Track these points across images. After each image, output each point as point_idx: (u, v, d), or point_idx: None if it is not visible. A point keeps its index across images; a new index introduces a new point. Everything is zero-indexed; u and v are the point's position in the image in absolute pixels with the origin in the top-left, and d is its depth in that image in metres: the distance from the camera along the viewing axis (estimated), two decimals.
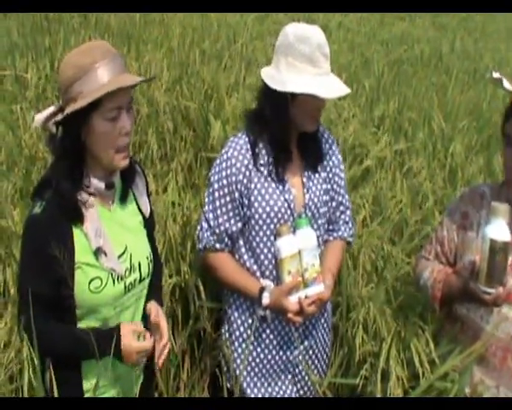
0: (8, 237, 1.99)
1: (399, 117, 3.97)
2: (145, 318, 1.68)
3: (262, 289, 1.79)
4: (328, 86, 1.68)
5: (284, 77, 1.68)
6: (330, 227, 1.97)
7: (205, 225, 1.85)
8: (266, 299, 1.77)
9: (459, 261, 1.77)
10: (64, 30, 4.33)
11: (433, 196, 2.95)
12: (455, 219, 1.79)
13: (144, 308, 1.67)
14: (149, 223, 1.68)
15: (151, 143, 3.01)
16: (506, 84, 1.55)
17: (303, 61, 1.67)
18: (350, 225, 2.00)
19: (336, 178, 1.93)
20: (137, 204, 1.63)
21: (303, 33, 1.68)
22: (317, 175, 1.87)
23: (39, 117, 1.41)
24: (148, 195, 1.69)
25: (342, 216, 1.98)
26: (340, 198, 1.95)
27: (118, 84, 1.34)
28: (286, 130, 1.77)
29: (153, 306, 1.64)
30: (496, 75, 1.57)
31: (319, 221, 1.88)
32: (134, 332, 1.49)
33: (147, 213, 1.65)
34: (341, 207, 1.97)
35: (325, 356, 2.05)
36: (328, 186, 1.91)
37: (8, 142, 2.69)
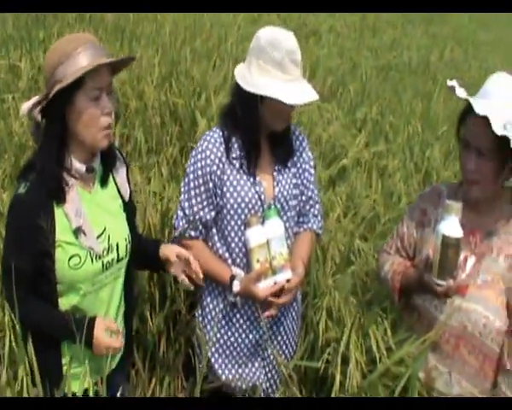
0: None
1: (381, 120, 4.07)
2: (125, 296, 1.78)
3: (232, 277, 1.89)
4: (294, 92, 1.75)
5: (255, 80, 1.76)
6: (300, 219, 2.06)
7: (180, 213, 1.94)
8: (236, 286, 1.87)
9: (418, 256, 1.86)
10: (59, 24, 4.40)
11: (407, 198, 3.05)
12: (414, 216, 1.88)
13: (124, 287, 1.77)
14: (129, 207, 1.76)
15: (138, 136, 3.11)
16: (458, 91, 1.66)
17: (273, 66, 1.73)
18: (319, 218, 2.09)
19: (306, 174, 2.02)
20: (118, 188, 1.72)
21: (274, 38, 1.74)
22: (287, 170, 1.96)
23: (25, 106, 1.50)
24: (129, 180, 1.77)
25: (312, 209, 2.07)
26: (310, 193, 2.04)
27: (97, 62, 1.45)
28: (256, 128, 1.85)
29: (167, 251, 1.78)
30: (450, 83, 1.68)
31: (288, 213, 1.97)
32: (107, 329, 1.58)
33: (126, 197, 1.73)
34: (311, 202, 2.06)
35: (293, 343, 2.14)
36: (298, 181, 2.00)
37: None
